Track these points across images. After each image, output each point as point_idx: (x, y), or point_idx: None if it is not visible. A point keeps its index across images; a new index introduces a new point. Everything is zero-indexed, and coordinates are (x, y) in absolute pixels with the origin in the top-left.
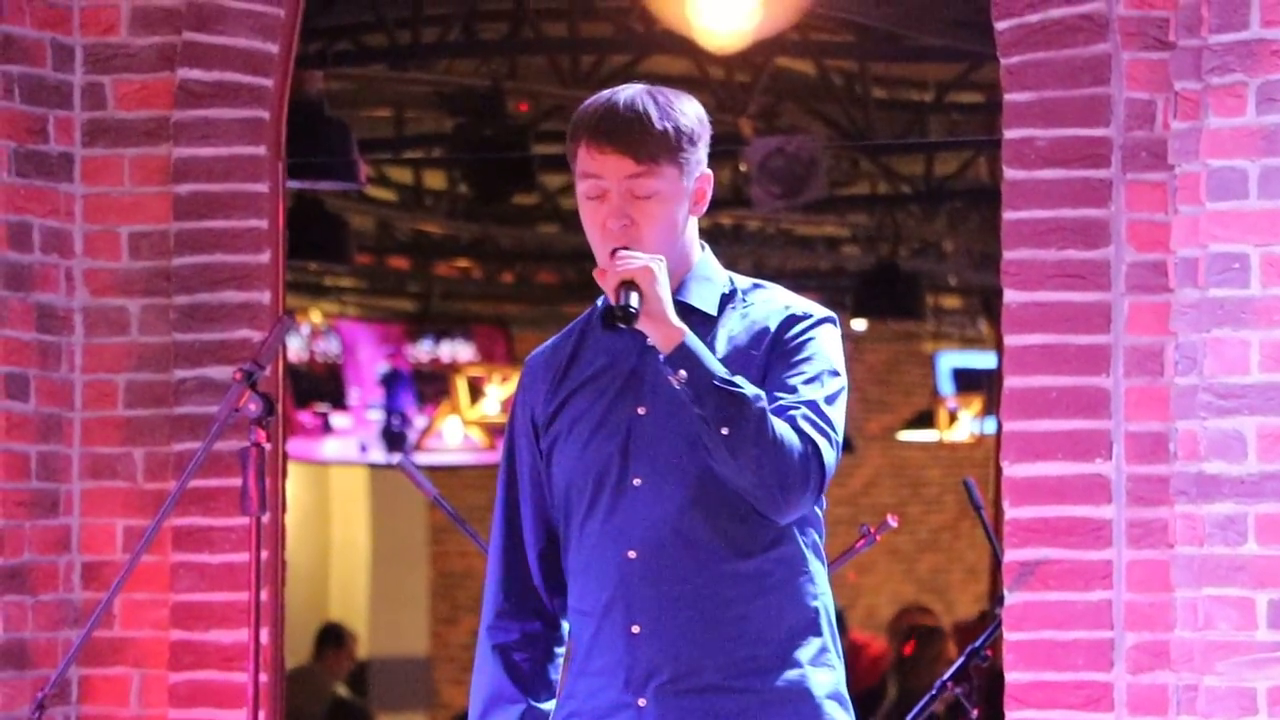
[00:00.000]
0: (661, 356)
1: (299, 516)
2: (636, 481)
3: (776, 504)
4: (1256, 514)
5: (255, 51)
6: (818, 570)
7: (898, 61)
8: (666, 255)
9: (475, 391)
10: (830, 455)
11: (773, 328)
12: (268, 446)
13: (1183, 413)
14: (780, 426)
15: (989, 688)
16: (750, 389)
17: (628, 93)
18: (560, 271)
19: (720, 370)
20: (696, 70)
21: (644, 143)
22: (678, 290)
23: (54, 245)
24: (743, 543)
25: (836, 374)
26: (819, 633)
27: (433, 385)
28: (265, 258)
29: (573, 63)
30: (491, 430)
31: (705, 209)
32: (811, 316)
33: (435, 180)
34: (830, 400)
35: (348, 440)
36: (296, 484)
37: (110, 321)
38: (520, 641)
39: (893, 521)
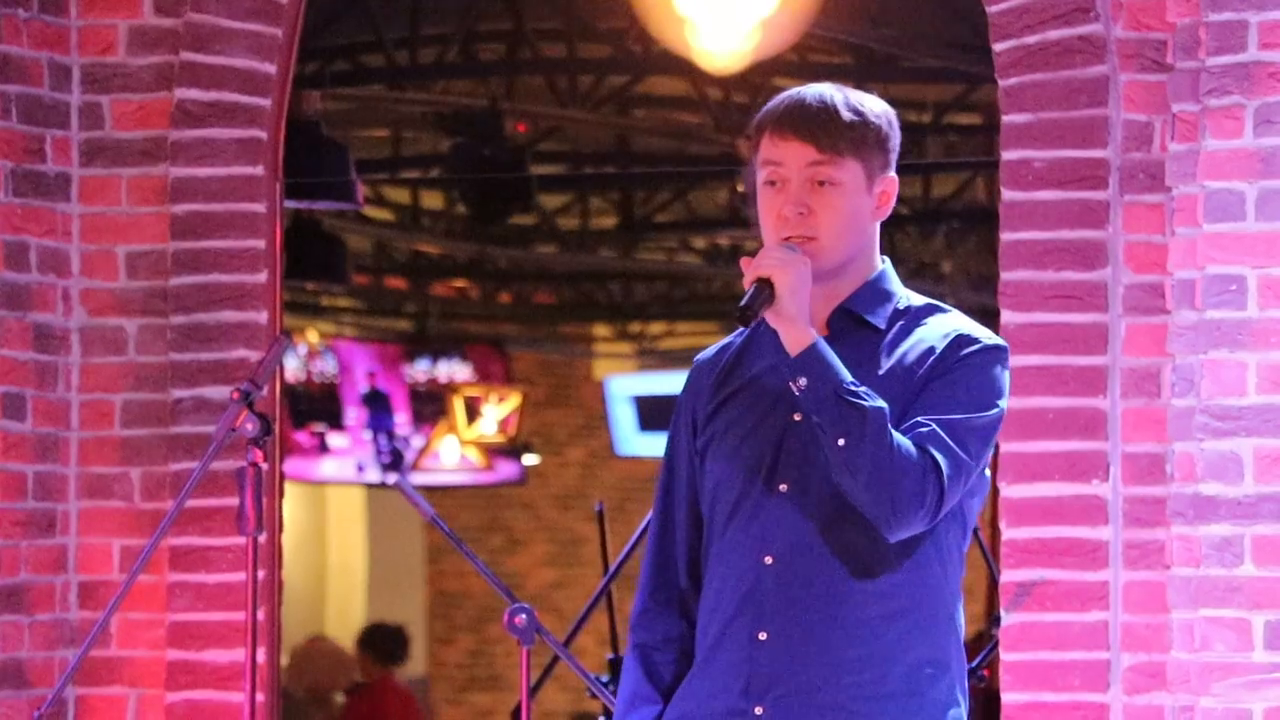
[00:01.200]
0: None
1: (295, 536)
2: (783, 488)
3: (887, 520)
4: (1253, 535)
5: (253, 71)
6: (958, 605)
7: (895, 83)
8: (842, 251)
9: (472, 411)
10: (952, 476)
11: (939, 348)
12: (265, 466)
13: (1180, 434)
14: (901, 441)
15: (985, 709)
16: (873, 401)
17: (816, 87)
18: (558, 292)
19: (846, 378)
20: (694, 91)
21: (828, 131)
22: (851, 300)
23: (51, 265)
24: (883, 561)
25: (990, 404)
26: (948, 666)
27: (430, 405)
28: (262, 278)
29: (570, 83)
30: (488, 450)
31: (888, 214)
32: (980, 343)
33: (433, 200)
34: (971, 425)
35: (344, 460)
36: (293, 504)
37: (107, 341)
38: (662, 642)
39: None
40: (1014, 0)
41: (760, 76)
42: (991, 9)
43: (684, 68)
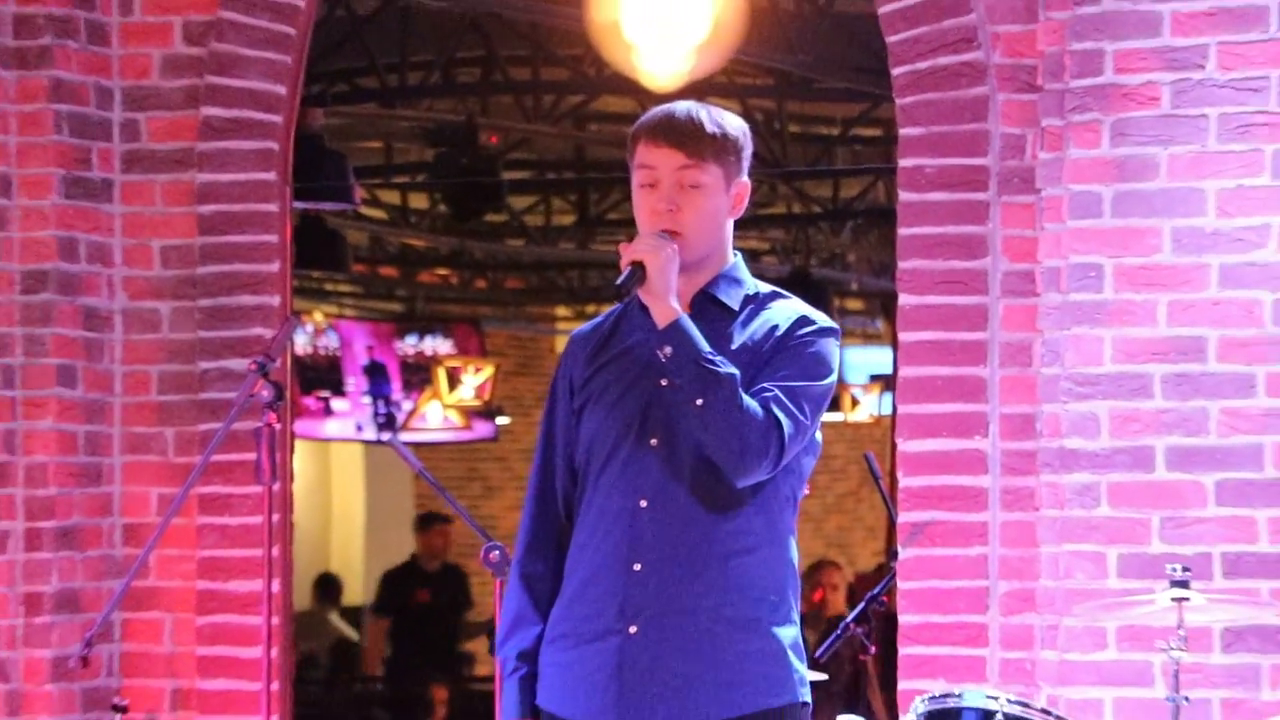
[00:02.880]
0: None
1: (304, 486)
2: (653, 442)
3: (736, 468)
4: (1108, 483)
5: (266, 92)
6: (791, 543)
7: (809, 101)
8: (704, 244)
9: (453, 380)
10: (790, 433)
11: (782, 327)
12: (278, 426)
13: (1048, 397)
14: (750, 403)
15: (886, 628)
16: (727, 368)
17: (684, 104)
18: (525, 278)
19: (704, 348)
20: (639, 107)
21: (695, 141)
22: (710, 285)
23: (98, 257)
24: (737, 507)
25: (822, 375)
26: (785, 593)
27: (417, 375)
28: (275, 267)
29: (535, 101)
30: (467, 412)
31: (741, 213)
32: (816, 325)
33: (419, 201)
34: (806, 394)
35: (345, 421)
36: (302, 459)
37: (145, 321)
38: (544, 572)
39: (805, 489)
40: (909, 32)
41: (696, 95)
42: (890, 39)
43: (631, 88)
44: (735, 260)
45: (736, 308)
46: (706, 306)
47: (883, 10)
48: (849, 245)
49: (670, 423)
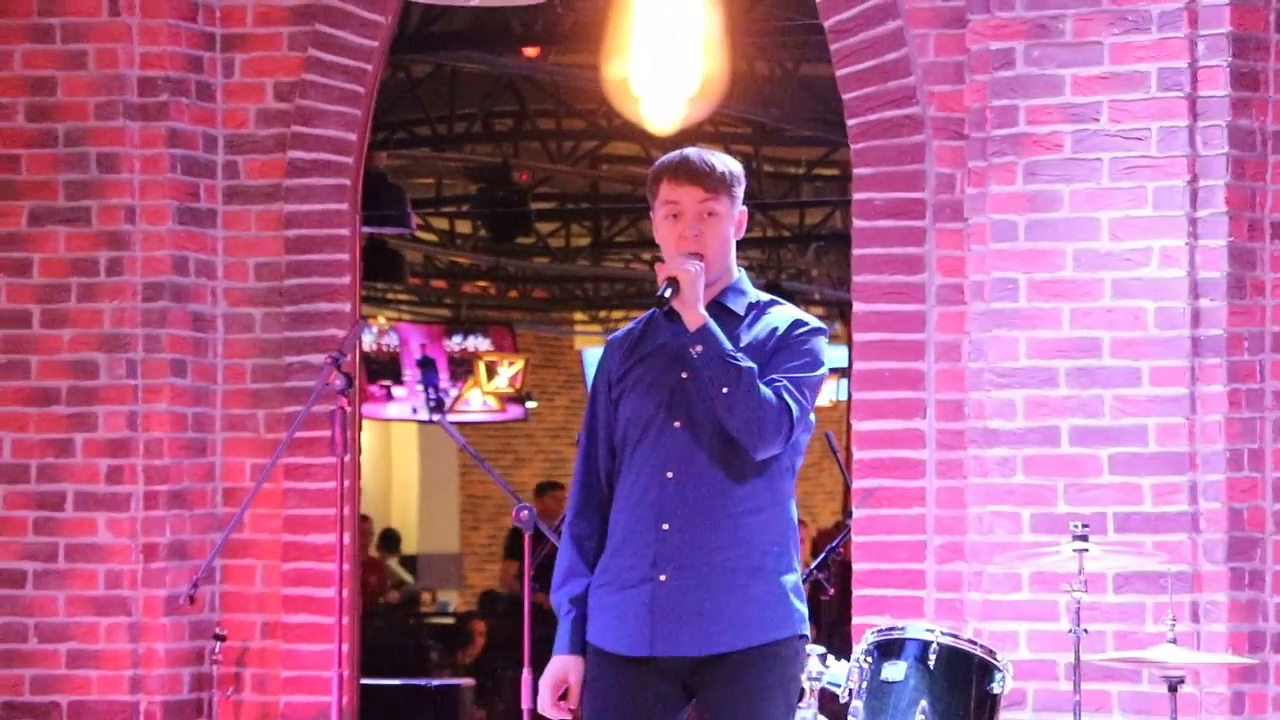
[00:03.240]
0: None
1: (369, 458)
2: (677, 424)
3: (755, 444)
4: (1023, 456)
5: (340, 139)
6: (791, 504)
7: (780, 146)
8: (719, 262)
9: (491, 372)
10: (798, 415)
11: (782, 328)
12: (348, 409)
13: (974, 386)
14: (765, 391)
15: (843, 573)
16: (747, 363)
17: (692, 149)
18: (549, 290)
19: (728, 347)
20: (643, 151)
21: (710, 178)
22: (720, 295)
23: (204, 271)
24: (747, 475)
25: (816, 367)
26: (787, 545)
27: (462, 367)
28: (346, 280)
29: (558, 146)
30: (502, 398)
31: (743, 234)
32: (809, 325)
33: (464, 227)
34: (806, 382)
35: (403, 405)
36: (368, 435)
37: (241, 324)
38: (590, 533)
39: (801, 459)
40: (861, 91)
41: (689, 140)
42: (846, 96)
43: (637, 134)
44: (739, 274)
45: (742, 313)
46: (718, 313)
47: (840, 73)
48: (813, 263)
49: (691, 407)
